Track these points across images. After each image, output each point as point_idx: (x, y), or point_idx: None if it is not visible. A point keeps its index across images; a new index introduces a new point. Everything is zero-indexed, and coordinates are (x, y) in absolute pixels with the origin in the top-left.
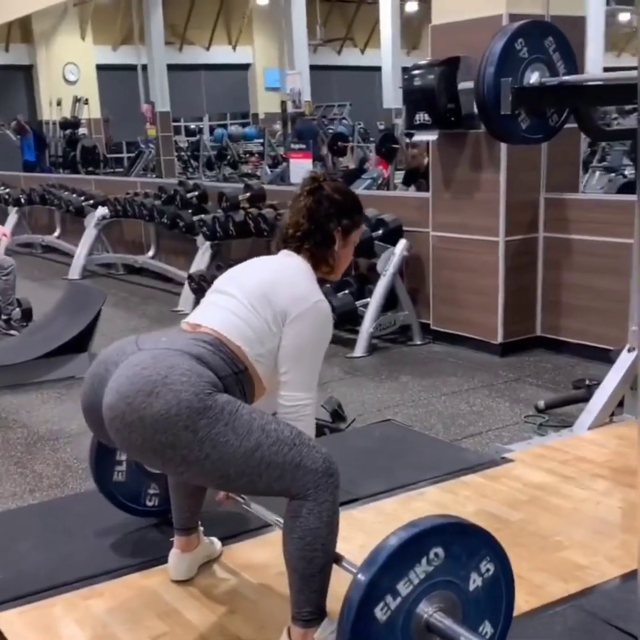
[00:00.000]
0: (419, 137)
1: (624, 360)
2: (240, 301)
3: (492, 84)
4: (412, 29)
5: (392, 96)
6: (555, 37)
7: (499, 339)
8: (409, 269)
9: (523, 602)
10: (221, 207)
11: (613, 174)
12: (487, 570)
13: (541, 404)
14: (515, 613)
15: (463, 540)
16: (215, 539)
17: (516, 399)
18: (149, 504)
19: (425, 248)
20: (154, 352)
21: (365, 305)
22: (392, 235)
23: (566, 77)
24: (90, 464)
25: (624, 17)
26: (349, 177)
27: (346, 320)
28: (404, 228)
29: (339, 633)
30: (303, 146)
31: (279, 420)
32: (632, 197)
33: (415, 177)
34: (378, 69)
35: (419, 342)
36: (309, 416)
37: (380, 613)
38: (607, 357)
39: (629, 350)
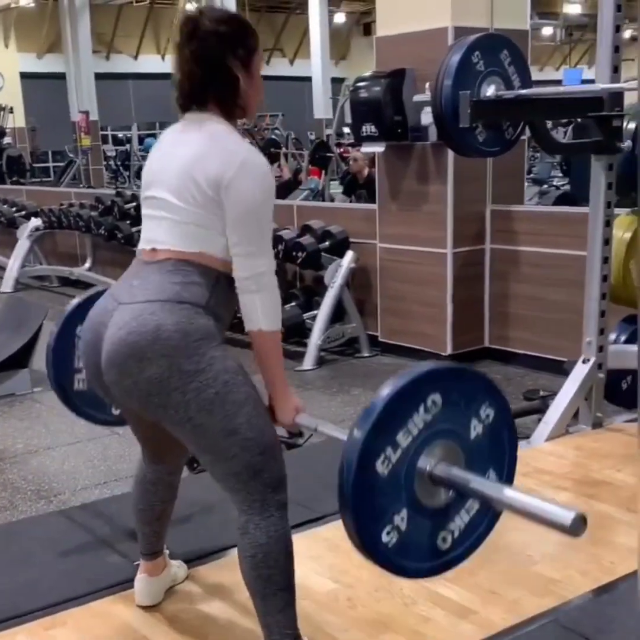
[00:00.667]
0: (366, 148)
1: (579, 372)
2: (173, 203)
3: (450, 97)
4: (340, 40)
5: (322, 106)
6: (510, 51)
7: (448, 350)
8: (356, 281)
9: (500, 620)
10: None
11: (544, 186)
12: (487, 416)
13: None
14: (493, 632)
15: (460, 386)
16: (181, 562)
17: None
18: (116, 412)
19: (372, 260)
20: (134, 310)
21: (313, 318)
22: (339, 247)
23: (523, 91)
24: (48, 373)
25: (547, 31)
26: (284, 188)
27: (294, 333)
28: (351, 240)
29: (339, 493)
30: None
31: (268, 420)
32: (575, 209)
33: (354, 187)
34: (307, 79)
35: (366, 354)
36: (270, 286)
37: (381, 467)
38: (555, 368)
39: (584, 362)
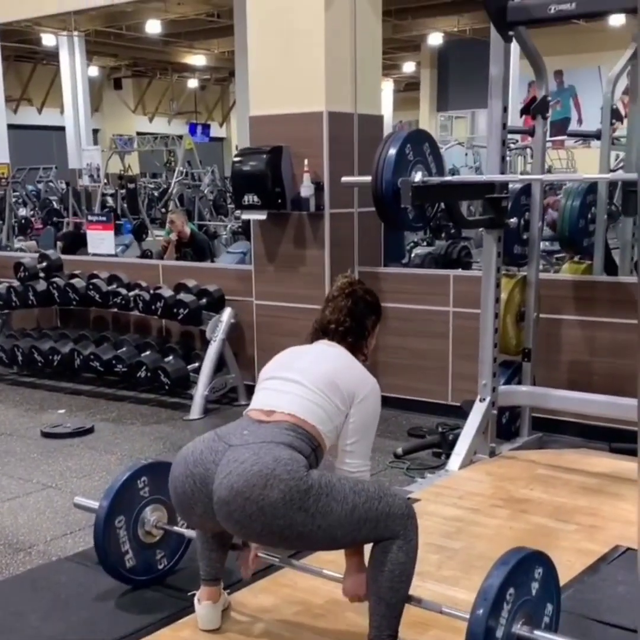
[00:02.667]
0: (247, 216)
1: (478, 410)
2: (308, 387)
3: (390, 182)
4: (93, 93)
5: (76, 156)
6: (430, 143)
7: None
8: (234, 334)
9: None
10: (18, 277)
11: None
12: (539, 573)
13: (399, 451)
14: None
15: (525, 570)
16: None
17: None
18: (160, 567)
19: (249, 315)
20: (253, 448)
21: (194, 370)
22: (216, 304)
23: (446, 178)
24: (104, 567)
25: None
26: (68, 238)
27: (179, 385)
28: (227, 297)
29: None
30: (103, 219)
31: (359, 479)
32: (432, 271)
33: (180, 246)
34: (56, 128)
35: (244, 402)
36: (367, 480)
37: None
38: (423, 408)
39: (481, 401)
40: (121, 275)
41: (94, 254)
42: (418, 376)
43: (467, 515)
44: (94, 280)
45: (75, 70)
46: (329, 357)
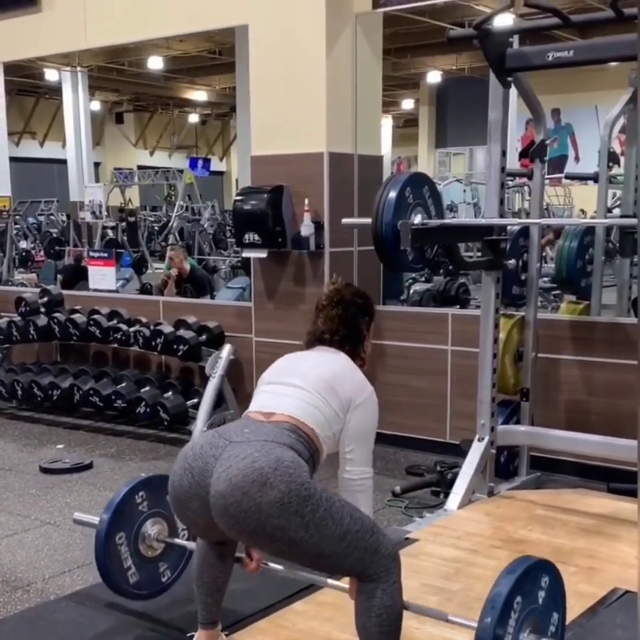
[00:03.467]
0: (248, 254)
1: (477, 449)
2: (308, 390)
3: (390, 225)
4: (95, 127)
5: (77, 190)
6: (429, 186)
7: None
8: (234, 371)
9: None
10: (19, 312)
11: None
12: (545, 582)
13: (398, 489)
14: None
15: (532, 578)
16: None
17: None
18: (164, 579)
19: (248, 352)
20: (256, 445)
21: (193, 406)
22: (216, 341)
23: (445, 220)
24: (107, 584)
25: None
26: (69, 271)
27: (178, 421)
28: (227, 334)
29: None
30: (105, 255)
31: (357, 508)
32: (431, 309)
33: (180, 282)
34: (57, 161)
35: None
36: (371, 487)
37: None
38: (421, 445)
39: (479, 440)
40: (122, 311)
41: (95, 289)
42: (417, 414)
43: (466, 556)
44: (95, 316)
45: (78, 104)
46: (328, 362)
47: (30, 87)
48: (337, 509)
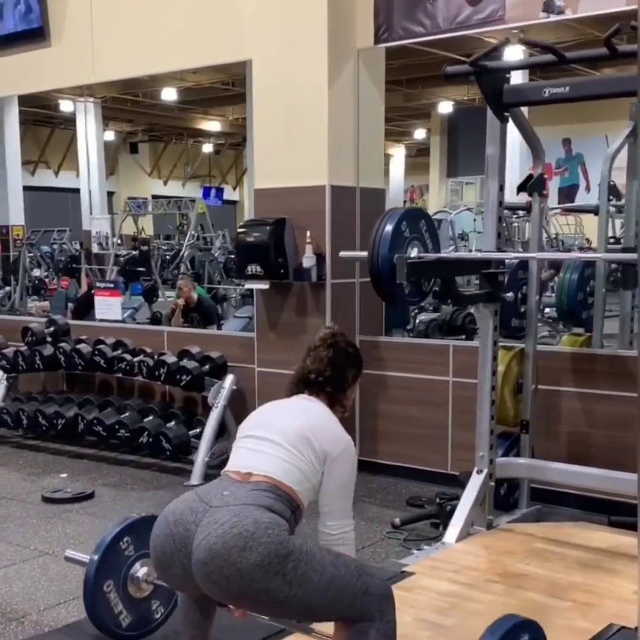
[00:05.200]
0: (251, 285)
1: (475, 482)
2: (284, 446)
3: (386, 258)
4: (108, 156)
5: (88, 219)
6: (426, 220)
7: None
8: (236, 401)
9: None
10: (26, 341)
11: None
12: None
13: (397, 521)
14: None
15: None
16: None
17: (368, 518)
18: (157, 616)
19: (251, 382)
20: (233, 510)
21: (196, 436)
22: (219, 371)
23: (441, 254)
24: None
25: None
26: (81, 301)
27: (181, 451)
28: (230, 364)
29: None
30: (111, 285)
31: (339, 553)
32: (432, 341)
33: (188, 312)
34: (72, 190)
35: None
36: (352, 540)
37: None
38: (421, 476)
39: (478, 473)
40: (127, 341)
41: (102, 320)
42: (418, 445)
43: (462, 591)
44: (100, 346)
45: (91, 135)
46: (304, 413)
47: (45, 118)
48: (318, 560)
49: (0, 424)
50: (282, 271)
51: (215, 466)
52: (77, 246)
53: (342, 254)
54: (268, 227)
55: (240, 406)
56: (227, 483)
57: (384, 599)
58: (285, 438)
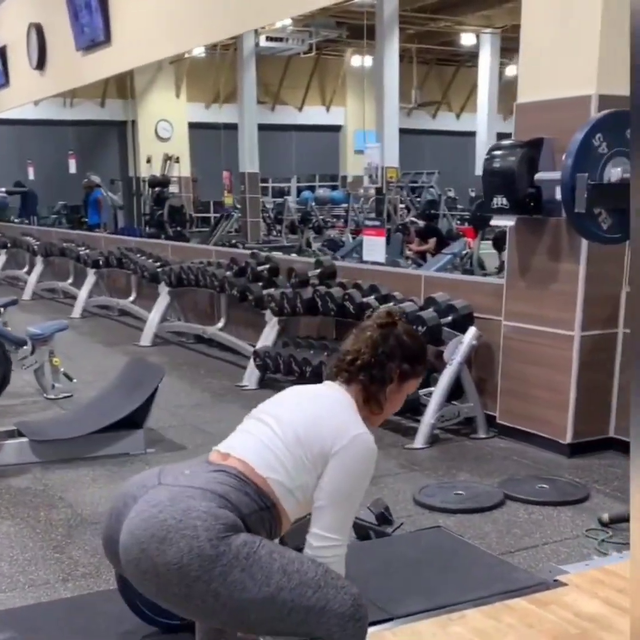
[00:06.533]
0: (496, 222)
1: None
2: (276, 433)
3: (568, 180)
4: (510, 95)
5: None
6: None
7: (568, 438)
8: (477, 358)
9: None
10: (290, 283)
11: None
12: None
13: (605, 517)
14: None
15: None
16: None
17: (580, 508)
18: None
19: (496, 337)
20: (172, 491)
21: (429, 394)
22: (462, 322)
23: None
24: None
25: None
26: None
27: (408, 410)
28: (475, 315)
29: None
30: (377, 223)
31: (304, 559)
32: None
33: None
34: (472, 134)
35: (483, 436)
36: (339, 558)
37: None
38: None
39: None
40: (382, 286)
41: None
42: None
43: (609, 616)
44: (350, 291)
45: (490, 70)
46: (314, 400)
47: (450, 56)
48: (261, 566)
49: (265, 368)
50: (532, 204)
51: (451, 430)
52: (449, 192)
53: (539, 175)
54: (518, 150)
55: (482, 364)
56: (198, 462)
57: (349, 619)
58: (280, 425)
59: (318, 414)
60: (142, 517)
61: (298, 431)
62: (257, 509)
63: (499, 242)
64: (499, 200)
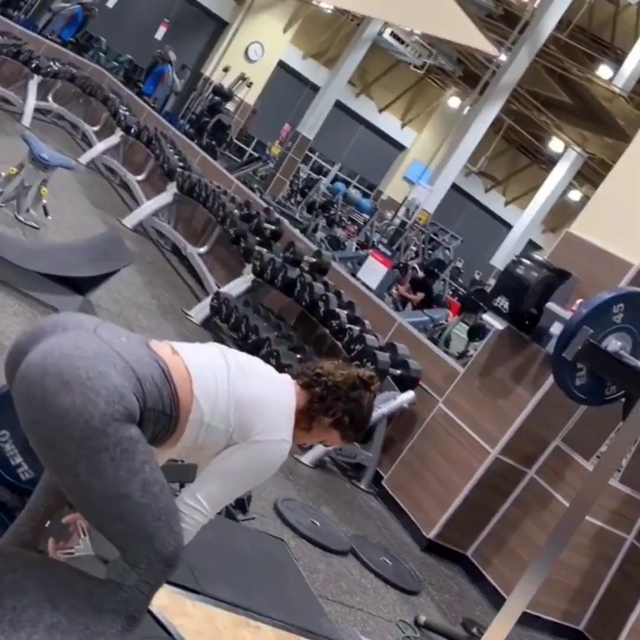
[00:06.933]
0: (488, 318)
1: None
2: (229, 376)
3: (573, 326)
4: (560, 214)
5: (502, 258)
6: None
7: (431, 534)
8: (399, 420)
9: None
10: (284, 255)
11: None
12: None
13: (422, 619)
14: None
15: None
16: None
17: (406, 598)
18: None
19: (425, 412)
20: (102, 348)
21: None
22: (406, 382)
23: None
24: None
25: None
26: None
27: None
28: (421, 383)
29: None
30: (389, 253)
31: (167, 490)
32: None
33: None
34: (509, 226)
35: (363, 487)
36: (196, 526)
37: None
38: None
39: None
40: (358, 307)
41: None
42: None
43: None
44: (330, 294)
45: (558, 183)
46: (274, 387)
47: (532, 148)
48: (131, 468)
49: (217, 312)
50: (527, 323)
51: (334, 462)
52: (459, 262)
53: (549, 304)
54: (545, 271)
55: (399, 427)
56: (137, 338)
57: (162, 560)
58: (237, 374)
59: (269, 397)
60: (61, 350)
61: (245, 394)
62: (159, 410)
63: (473, 332)
64: (502, 302)
